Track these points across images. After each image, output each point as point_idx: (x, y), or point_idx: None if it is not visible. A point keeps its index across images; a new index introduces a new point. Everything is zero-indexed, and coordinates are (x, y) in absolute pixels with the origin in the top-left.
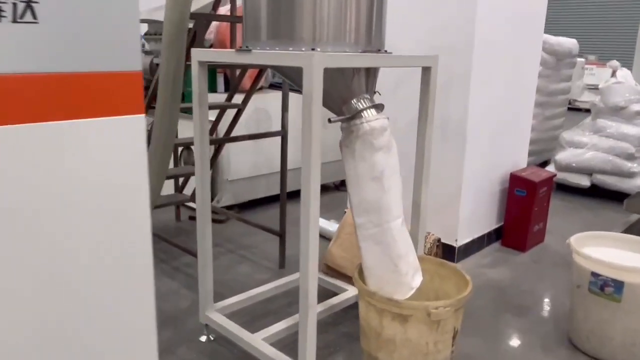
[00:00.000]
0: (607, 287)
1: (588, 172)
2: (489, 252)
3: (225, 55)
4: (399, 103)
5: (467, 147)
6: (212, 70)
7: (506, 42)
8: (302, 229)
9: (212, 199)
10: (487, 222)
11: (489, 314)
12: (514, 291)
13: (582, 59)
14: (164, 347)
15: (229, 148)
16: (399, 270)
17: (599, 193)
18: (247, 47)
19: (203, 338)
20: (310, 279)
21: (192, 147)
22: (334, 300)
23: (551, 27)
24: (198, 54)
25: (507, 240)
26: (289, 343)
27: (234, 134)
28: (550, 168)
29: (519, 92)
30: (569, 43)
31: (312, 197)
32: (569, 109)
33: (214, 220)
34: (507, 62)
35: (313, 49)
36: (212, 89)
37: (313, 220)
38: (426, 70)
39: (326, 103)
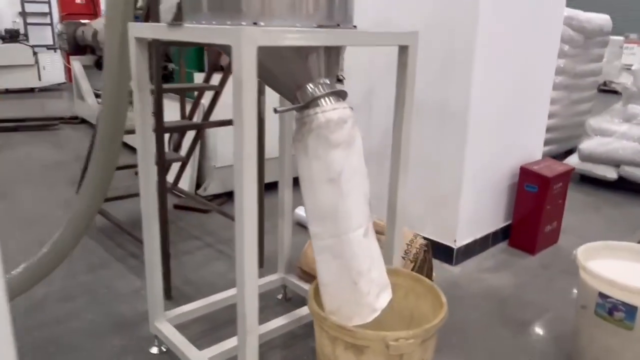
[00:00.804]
0: (617, 311)
1: (615, 163)
2: (493, 253)
3: (159, 31)
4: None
5: (470, 135)
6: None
7: (518, 13)
8: (236, 241)
9: (199, 187)
10: (493, 220)
11: (483, 329)
12: (516, 302)
13: (621, 38)
14: (109, 356)
15: (215, 133)
16: (359, 289)
17: (626, 187)
18: (181, 20)
19: (154, 349)
20: (248, 300)
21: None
22: (305, 310)
23: (587, 1)
24: (134, 30)
25: (515, 241)
26: None
27: (214, 117)
28: (575, 158)
29: (534, 72)
30: (601, 20)
31: (245, 202)
32: (604, 91)
33: (197, 210)
34: (520, 37)
35: (255, 24)
36: (200, 68)
37: (248, 230)
38: (403, 50)
39: (278, 88)
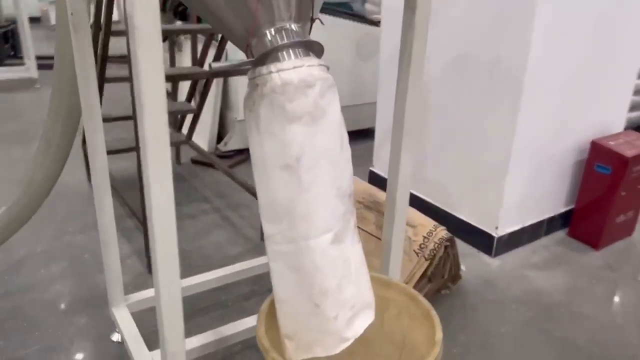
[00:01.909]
0: None
1: None
2: (546, 245)
3: None
4: (436, 33)
5: (525, 100)
6: None
7: None
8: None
9: (220, 141)
10: (550, 204)
11: (517, 346)
12: (566, 313)
13: None
14: (66, 339)
15: (237, 82)
16: (322, 312)
17: None
18: None
19: (115, 337)
20: (167, 314)
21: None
22: None
23: None
24: None
25: (576, 231)
26: None
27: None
28: None
29: (619, 23)
30: None
31: (153, 181)
32: None
33: (214, 167)
34: None
35: None
36: None
37: (160, 215)
38: None
39: (228, 35)
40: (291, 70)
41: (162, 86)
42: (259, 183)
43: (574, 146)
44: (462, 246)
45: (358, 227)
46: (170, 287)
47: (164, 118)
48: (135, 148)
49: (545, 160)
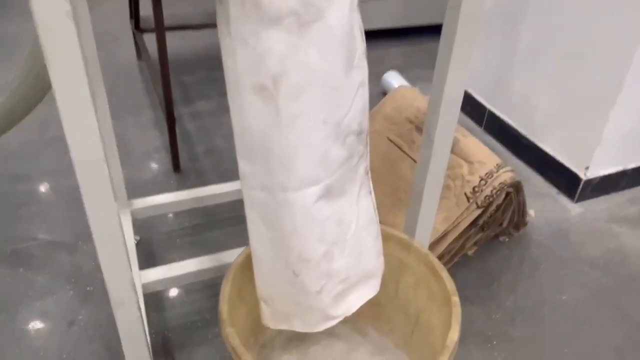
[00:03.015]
0: None
1: None
2: None
3: None
4: None
5: None
6: None
7: None
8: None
9: None
10: None
11: (568, 326)
12: None
13: None
14: (68, 237)
15: None
16: (300, 283)
17: None
18: None
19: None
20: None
21: None
22: None
23: None
24: None
25: None
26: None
27: None
28: None
29: None
30: None
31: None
32: None
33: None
34: None
35: None
36: None
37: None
38: None
39: None
40: None
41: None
42: (231, 104)
43: None
44: (538, 183)
45: (404, 153)
46: (102, 210)
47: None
48: None
49: None
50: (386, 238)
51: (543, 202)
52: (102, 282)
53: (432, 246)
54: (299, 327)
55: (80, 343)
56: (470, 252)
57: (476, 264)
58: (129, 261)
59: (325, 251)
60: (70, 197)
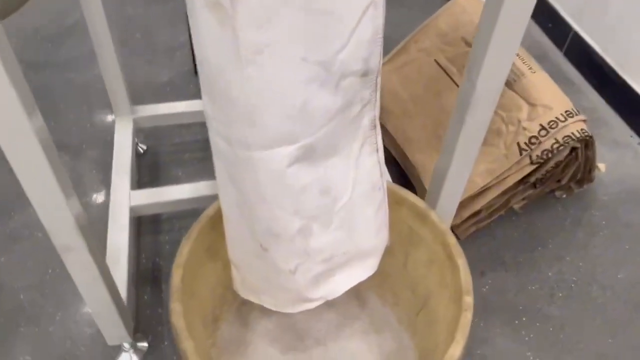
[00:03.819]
0: None
1: None
2: None
3: None
4: None
5: None
6: None
7: None
8: None
9: None
10: None
11: (634, 309)
12: None
13: None
14: (73, 140)
15: None
16: (270, 259)
17: None
18: None
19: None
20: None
21: None
22: None
23: None
24: None
25: None
26: None
27: None
28: None
29: None
30: None
31: None
32: None
33: None
34: None
35: None
36: None
37: None
38: None
39: None
40: None
41: None
42: (190, 18)
43: None
44: (618, 129)
45: (453, 82)
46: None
47: None
48: None
49: None
50: (397, 201)
51: (619, 154)
52: (101, 193)
53: (468, 201)
54: (269, 304)
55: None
56: (516, 207)
57: (521, 222)
58: (69, 202)
59: (301, 226)
60: (84, 93)
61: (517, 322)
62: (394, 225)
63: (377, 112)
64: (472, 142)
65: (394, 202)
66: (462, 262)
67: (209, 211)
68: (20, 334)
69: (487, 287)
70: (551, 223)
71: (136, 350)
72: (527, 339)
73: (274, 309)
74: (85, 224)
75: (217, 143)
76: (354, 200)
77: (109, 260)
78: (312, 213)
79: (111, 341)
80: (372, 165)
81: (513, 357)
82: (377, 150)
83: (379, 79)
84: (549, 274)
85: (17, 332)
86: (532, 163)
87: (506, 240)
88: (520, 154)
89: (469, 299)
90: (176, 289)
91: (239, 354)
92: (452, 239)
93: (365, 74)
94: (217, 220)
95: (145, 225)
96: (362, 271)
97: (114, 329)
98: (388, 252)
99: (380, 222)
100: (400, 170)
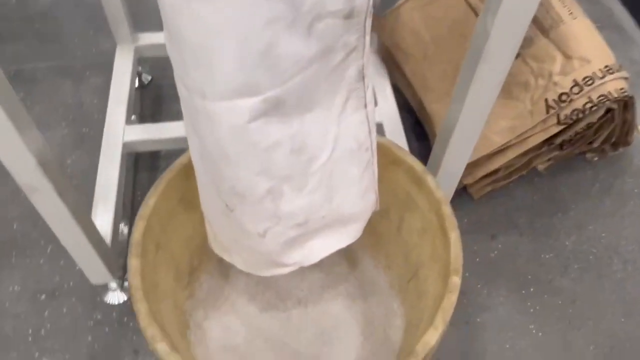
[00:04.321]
0: None
1: None
2: None
3: None
4: None
5: None
6: None
7: None
8: None
9: None
10: None
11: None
12: None
13: None
14: (75, 63)
15: None
16: (237, 220)
17: None
18: None
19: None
20: None
21: None
22: None
23: None
24: None
25: None
26: None
27: None
28: None
29: None
30: None
31: None
32: None
33: None
34: None
35: None
36: None
37: None
38: None
39: None
40: None
41: None
42: None
43: None
44: None
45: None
46: None
47: None
48: None
49: None
50: (394, 161)
51: None
52: (99, 124)
53: (483, 160)
54: (240, 264)
55: None
56: (540, 167)
57: (543, 184)
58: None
59: (270, 187)
60: (91, 16)
61: (524, 291)
62: (391, 186)
63: (366, 61)
64: (485, 95)
65: (391, 163)
66: (454, 236)
67: (183, 159)
68: (11, 265)
69: (496, 251)
70: (577, 187)
71: (124, 289)
72: (532, 310)
73: (245, 270)
74: (51, 162)
75: (179, 88)
76: (335, 161)
77: (97, 196)
78: (283, 173)
79: (95, 280)
80: (358, 122)
81: (515, 328)
82: (366, 106)
83: (368, 22)
84: (567, 242)
85: (8, 263)
86: (559, 123)
87: (524, 203)
88: (547, 112)
89: (456, 280)
90: (136, 243)
91: (215, 309)
92: (447, 210)
93: (349, 15)
94: (192, 168)
95: (142, 161)
96: (343, 237)
97: (95, 269)
98: (384, 214)
99: (367, 184)
100: (416, 119)
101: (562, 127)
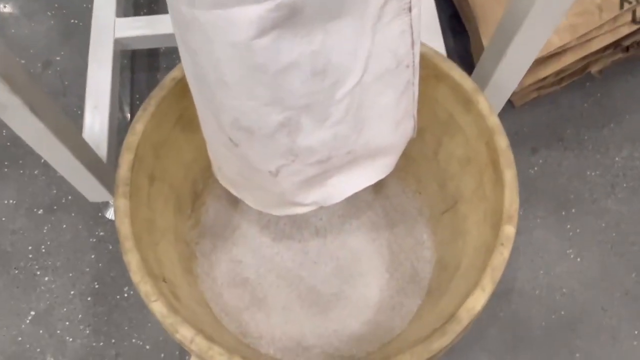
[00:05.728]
0: None
1: None
2: None
3: None
4: None
5: None
6: None
7: None
8: None
9: None
10: None
11: None
12: None
13: None
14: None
15: None
16: (243, 156)
17: None
18: None
19: None
20: None
21: None
22: None
23: None
24: None
25: None
26: None
27: None
28: None
29: None
30: None
31: None
32: None
33: None
34: None
35: None
36: None
37: None
38: None
39: None
40: None
41: None
42: None
43: None
44: None
45: None
46: None
47: None
48: None
49: None
50: (437, 75)
51: None
52: (90, 15)
53: (534, 65)
54: (249, 201)
55: (53, 90)
56: (594, 71)
57: (595, 90)
58: None
59: (284, 120)
60: None
61: (564, 212)
62: (430, 104)
63: None
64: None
65: (432, 76)
66: (510, 175)
67: (176, 72)
68: (4, 175)
69: (536, 167)
70: (634, 96)
71: None
72: (571, 233)
73: (254, 207)
74: (19, 75)
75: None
76: (366, 84)
77: (88, 104)
78: (301, 102)
79: (93, 199)
80: (399, 33)
81: (551, 252)
82: (410, 9)
83: None
84: (617, 158)
85: (1, 173)
86: (634, 21)
87: (572, 112)
88: (621, 8)
89: (510, 230)
90: (122, 182)
91: (223, 239)
92: (502, 141)
93: None
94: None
95: (139, 60)
96: (372, 173)
97: (91, 188)
98: (418, 135)
99: (404, 110)
100: (455, 13)
101: (636, 27)
